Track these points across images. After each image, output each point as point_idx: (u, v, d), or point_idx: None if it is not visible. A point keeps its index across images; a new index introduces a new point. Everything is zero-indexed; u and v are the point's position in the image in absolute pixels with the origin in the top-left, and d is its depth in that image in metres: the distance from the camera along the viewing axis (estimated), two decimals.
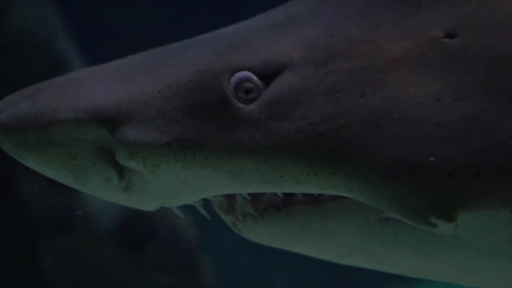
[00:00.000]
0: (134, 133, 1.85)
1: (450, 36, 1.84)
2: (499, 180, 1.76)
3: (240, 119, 1.84)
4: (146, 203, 1.94)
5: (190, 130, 1.84)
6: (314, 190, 1.84)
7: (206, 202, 2.00)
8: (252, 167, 1.83)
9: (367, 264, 1.97)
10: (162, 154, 1.84)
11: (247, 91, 1.85)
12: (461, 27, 1.84)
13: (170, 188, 1.89)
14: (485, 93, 1.78)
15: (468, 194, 1.77)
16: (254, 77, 1.85)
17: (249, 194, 1.93)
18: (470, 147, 1.76)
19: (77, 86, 1.90)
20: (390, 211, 1.80)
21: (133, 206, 1.96)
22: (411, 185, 1.77)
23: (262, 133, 1.82)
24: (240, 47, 1.89)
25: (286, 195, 1.91)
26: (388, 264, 1.95)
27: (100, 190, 1.92)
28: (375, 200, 1.80)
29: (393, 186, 1.77)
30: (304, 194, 1.90)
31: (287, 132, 1.81)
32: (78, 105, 1.87)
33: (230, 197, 1.96)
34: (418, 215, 1.79)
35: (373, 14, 1.89)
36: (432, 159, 1.76)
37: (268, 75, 1.86)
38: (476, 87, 1.79)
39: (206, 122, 1.84)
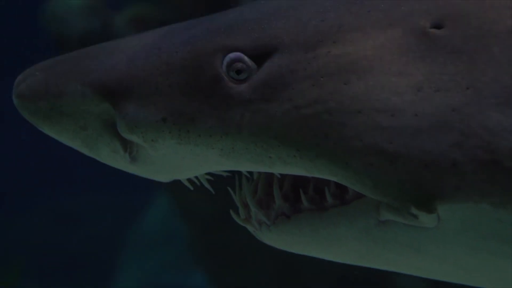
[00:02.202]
0: (133, 108, 1.90)
1: (437, 26, 1.84)
2: (476, 172, 1.76)
3: (231, 98, 1.87)
4: (154, 174, 2.00)
5: (184, 107, 1.88)
6: (302, 173, 1.86)
7: None
8: (242, 147, 1.86)
9: (382, 266, 1.99)
10: (158, 129, 1.89)
11: (238, 71, 1.88)
12: (449, 18, 1.84)
13: (171, 162, 1.94)
14: (465, 86, 1.79)
15: (444, 185, 1.78)
16: (246, 58, 1.88)
17: (260, 204, 1.99)
18: (448, 139, 1.77)
19: (88, 61, 1.98)
20: (374, 198, 1.82)
21: (144, 176, 2.02)
22: (390, 174, 1.79)
23: (251, 113, 1.85)
24: (235, 28, 1.92)
25: (294, 203, 1.95)
26: (400, 266, 1.97)
27: (111, 161, 2.00)
28: (358, 187, 1.82)
29: (373, 174, 1.79)
30: (311, 202, 1.93)
31: (274, 114, 1.84)
32: (85, 79, 1.94)
33: (247, 207, 2.02)
34: (399, 205, 1.81)
35: (366, 0, 1.90)
36: (409, 149, 1.78)
37: (260, 57, 1.88)
38: (457, 80, 1.80)
39: (199, 100, 1.88)
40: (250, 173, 2.03)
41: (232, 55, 1.89)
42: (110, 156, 1.98)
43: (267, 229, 1.99)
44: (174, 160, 1.93)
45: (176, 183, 2.08)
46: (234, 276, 6.11)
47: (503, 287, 1.93)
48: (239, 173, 2.03)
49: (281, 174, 1.96)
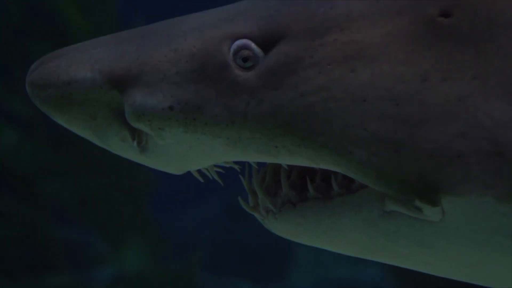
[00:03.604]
0: (140, 96, 1.88)
1: (445, 14, 1.81)
2: (480, 164, 1.73)
3: (237, 86, 1.85)
4: (164, 165, 1.98)
5: (190, 95, 1.86)
6: (307, 163, 1.84)
7: None
8: (248, 136, 1.84)
9: (385, 259, 1.96)
10: (165, 117, 1.86)
11: (245, 59, 1.86)
12: (457, 6, 1.81)
13: (179, 152, 1.92)
14: (472, 76, 1.77)
15: (449, 177, 1.75)
16: (253, 45, 1.86)
17: (267, 191, 1.96)
18: (452, 129, 1.75)
19: (98, 49, 1.96)
20: (377, 189, 1.80)
21: (154, 167, 2.00)
22: (393, 164, 1.76)
23: (256, 101, 1.83)
24: (244, 15, 1.90)
25: (301, 191, 1.93)
26: (403, 260, 1.93)
27: (121, 151, 1.98)
28: (361, 177, 1.80)
29: (376, 164, 1.77)
30: (316, 190, 1.91)
31: (280, 102, 1.82)
32: (94, 66, 1.92)
33: (256, 194, 1.99)
34: (403, 196, 1.78)
35: None
36: (413, 139, 1.75)
37: (267, 44, 1.86)
38: (463, 69, 1.77)
39: (206, 88, 1.86)
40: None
41: (239, 42, 1.86)
42: (120, 146, 1.96)
43: (273, 218, 1.96)
44: (182, 149, 1.90)
45: None
46: (416, 273, 5.98)
47: (506, 286, 1.89)
48: None
49: None
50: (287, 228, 1.96)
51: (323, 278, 9.14)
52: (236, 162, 2.00)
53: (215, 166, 2.00)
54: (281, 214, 1.95)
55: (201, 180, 2.04)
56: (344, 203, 1.87)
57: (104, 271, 8.04)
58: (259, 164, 2.00)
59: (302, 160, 1.84)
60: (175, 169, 1.99)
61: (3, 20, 8.07)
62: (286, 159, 1.86)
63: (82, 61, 1.95)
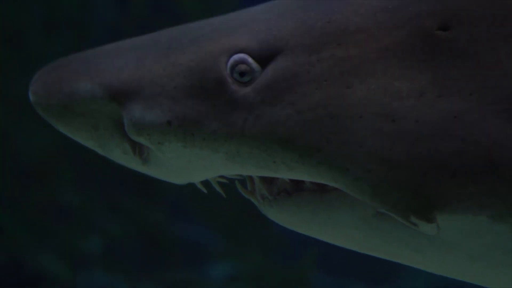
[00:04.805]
0: (139, 110, 1.87)
1: (444, 28, 1.77)
2: (476, 183, 1.70)
3: (235, 102, 1.83)
4: (167, 176, 1.97)
5: (189, 110, 1.84)
6: (306, 178, 1.82)
7: None
8: (247, 151, 1.82)
9: (383, 256, 1.93)
10: (163, 132, 1.85)
11: (242, 74, 1.83)
12: (456, 19, 1.76)
13: (180, 165, 1.90)
14: (469, 92, 1.72)
15: (444, 195, 1.72)
16: (250, 60, 1.83)
17: (263, 177, 1.92)
18: (448, 147, 1.71)
19: (100, 60, 1.95)
20: (373, 205, 1.77)
21: (158, 177, 1.99)
22: (389, 182, 1.73)
23: (254, 117, 1.81)
24: (243, 29, 1.87)
25: (297, 181, 1.89)
26: (401, 259, 1.91)
27: (124, 161, 1.98)
28: (358, 194, 1.77)
29: (372, 181, 1.74)
30: (312, 182, 1.86)
31: (277, 118, 1.80)
32: (95, 78, 1.91)
33: (252, 178, 1.96)
34: (399, 213, 1.75)
35: (373, 1, 1.82)
36: (409, 156, 1.71)
37: (264, 59, 1.83)
38: (460, 85, 1.73)
39: (204, 103, 1.84)
40: None
41: (236, 56, 1.84)
42: (122, 157, 1.96)
43: (268, 205, 1.94)
44: (182, 163, 1.89)
45: None
46: None
47: (502, 286, 1.86)
48: None
49: None
50: (282, 216, 1.94)
51: (437, 279, 8.98)
52: None
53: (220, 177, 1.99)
54: (277, 202, 1.92)
55: (205, 191, 2.04)
56: (340, 197, 1.84)
57: (220, 268, 8.10)
58: None
59: (301, 175, 1.82)
60: (178, 180, 1.98)
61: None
62: (285, 174, 1.84)
63: (83, 73, 1.93)
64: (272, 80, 1.82)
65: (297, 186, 1.90)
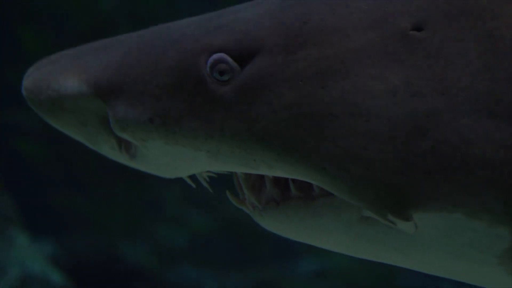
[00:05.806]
0: (122, 107, 1.89)
1: (418, 29, 1.78)
2: (449, 181, 1.71)
3: (214, 100, 1.84)
4: (155, 171, 1.99)
5: (170, 108, 1.86)
6: (286, 176, 1.84)
7: None
8: (227, 150, 1.84)
9: (372, 259, 1.94)
10: (146, 129, 1.87)
11: (221, 73, 1.84)
12: (430, 19, 1.77)
13: (165, 161, 1.93)
14: (441, 91, 1.72)
15: (418, 193, 1.73)
16: (229, 59, 1.84)
17: (253, 187, 1.95)
18: (421, 146, 1.72)
19: (89, 56, 1.98)
20: (352, 203, 1.78)
21: (148, 172, 2.01)
22: (366, 181, 1.75)
23: (233, 116, 1.82)
24: (224, 28, 1.88)
25: (284, 190, 1.91)
26: (389, 261, 1.91)
27: (113, 156, 2.01)
28: (336, 191, 1.79)
29: (349, 180, 1.75)
30: (298, 190, 1.89)
31: (254, 118, 1.81)
32: (82, 75, 1.94)
33: (241, 187, 1.99)
34: (377, 211, 1.76)
35: (350, 2, 1.83)
36: (383, 155, 1.72)
37: (243, 58, 1.84)
38: (432, 84, 1.73)
39: (184, 101, 1.86)
40: None
41: (216, 56, 1.85)
42: (111, 152, 1.99)
43: (259, 214, 1.95)
44: (167, 159, 1.91)
45: None
46: None
47: (486, 286, 1.87)
48: None
49: None
50: (274, 224, 1.95)
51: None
52: None
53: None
54: (266, 212, 1.94)
55: (193, 185, 2.05)
56: (325, 204, 1.86)
57: (308, 264, 8.12)
58: None
59: (281, 173, 1.84)
60: (166, 175, 2.00)
61: None
62: (266, 172, 1.85)
63: (72, 69, 1.96)
64: (250, 79, 1.83)
65: (284, 195, 1.92)
